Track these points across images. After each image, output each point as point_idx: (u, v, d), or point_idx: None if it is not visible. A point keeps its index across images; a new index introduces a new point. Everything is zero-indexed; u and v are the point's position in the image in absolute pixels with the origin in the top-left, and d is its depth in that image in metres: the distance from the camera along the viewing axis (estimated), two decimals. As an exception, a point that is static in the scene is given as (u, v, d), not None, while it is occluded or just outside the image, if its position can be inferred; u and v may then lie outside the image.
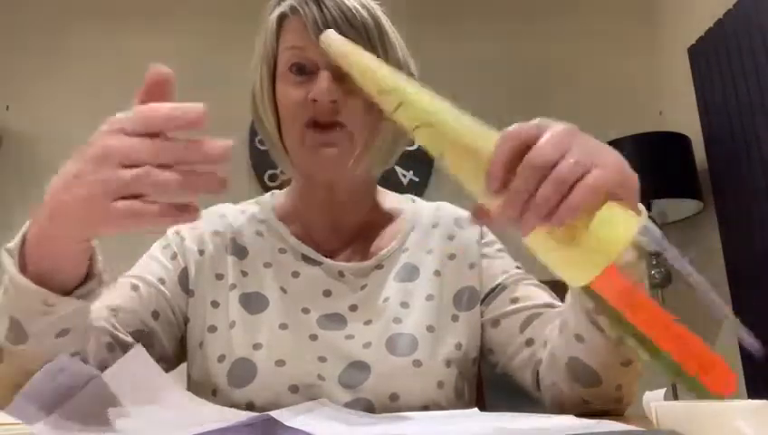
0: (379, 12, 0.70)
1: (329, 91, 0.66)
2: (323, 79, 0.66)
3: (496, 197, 0.42)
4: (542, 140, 0.42)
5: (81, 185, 0.43)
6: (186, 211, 0.45)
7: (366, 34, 0.67)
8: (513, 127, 0.43)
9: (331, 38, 0.55)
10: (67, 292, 0.50)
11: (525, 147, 0.42)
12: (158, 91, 0.47)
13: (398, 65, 0.71)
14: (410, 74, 0.75)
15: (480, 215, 0.47)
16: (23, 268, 0.49)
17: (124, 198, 0.43)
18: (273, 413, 0.46)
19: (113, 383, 0.48)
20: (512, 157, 0.42)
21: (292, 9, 0.69)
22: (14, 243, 0.50)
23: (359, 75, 0.49)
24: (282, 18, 0.71)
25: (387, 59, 0.69)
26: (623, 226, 0.41)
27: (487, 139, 0.43)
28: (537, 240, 0.42)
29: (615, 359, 0.59)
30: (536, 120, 0.44)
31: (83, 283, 0.51)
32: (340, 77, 0.67)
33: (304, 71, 0.69)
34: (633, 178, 0.46)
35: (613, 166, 0.43)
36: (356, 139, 0.69)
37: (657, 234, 0.41)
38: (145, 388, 0.51)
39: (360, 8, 0.67)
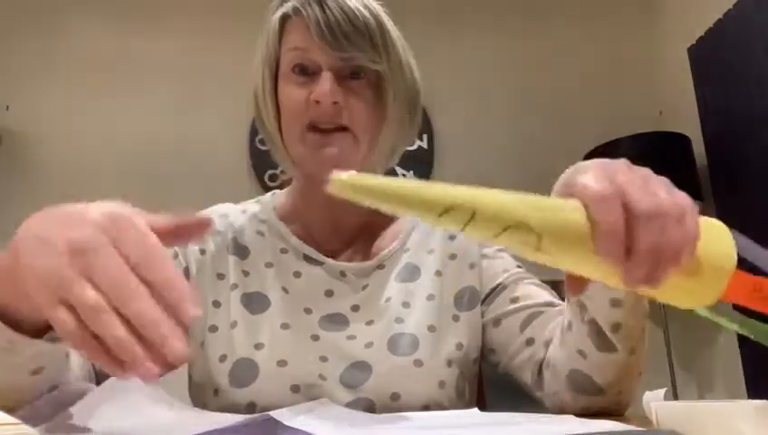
0: (381, 12, 0.70)
1: (331, 93, 0.66)
2: (326, 80, 0.66)
3: (617, 264, 0.39)
4: (633, 189, 0.39)
5: (43, 265, 0.38)
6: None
7: (368, 35, 0.67)
8: (592, 187, 0.39)
9: (344, 178, 0.39)
10: (39, 331, 0.45)
11: (617, 192, 0.39)
12: (190, 232, 0.44)
13: (400, 65, 0.71)
14: (412, 73, 0.74)
15: (578, 285, 0.45)
16: None
17: None
18: (273, 413, 0.46)
19: (105, 397, 0.48)
20: (618, 218, 0.38)
21: (295, 10, 0.69)
22: None
23: (404, 205, 0.38)
24: (284, 19, 0.70)
25: (389, 59, 0.69)
26: (719, 234, 0.42)
27: (567, 210, 0.40)
28: (666, 285, 0.40)
29: (618, 371, 0.60)
30: (589, 170, 0.41)
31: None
32: (343, 79, 0.68)
33: (307, 72, 0.68)
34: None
35: (668, 181, 0.43)
36: (359, 140, 0.69)
37: (735, 232, 0.43)
38: (137, 401, 0.51)
39: (362, 8, 0.67)
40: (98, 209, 0.41)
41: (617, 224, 0.38)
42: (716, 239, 0.42)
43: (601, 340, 0.59)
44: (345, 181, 0.37)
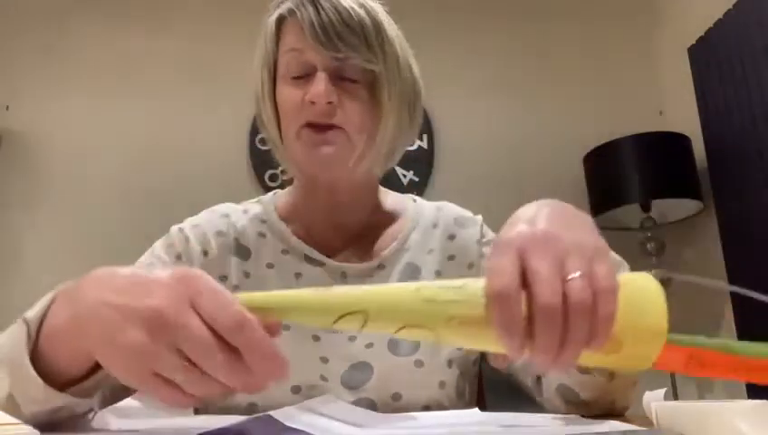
0: (379, 10, 0.70)
1: (326, 93, 0.66)
2: (320, 80, 0.66)
3: (518, 354, 0.38)
4: (540, 277, 0.37)
5: (128, 343, 0.37)
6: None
7: (363, 34, 0.67)
8: (492, 279, 0.37)
9: (244, 300, 0.41)
10: (69, 381, 0.46)
11: (516, 284, 0.37)
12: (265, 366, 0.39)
13: (397, 65, 0.71)
14: (411, 72, 0.74)
15: (502, 359, 0.44)
16: (32, 352, 0.45)
17: None
18: (274, 413, 0.46)
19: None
20: (514, 316, 0.37)
21: (290, 11, 0.69)
22: (33, 317, 0.46)
23: (300, 316, 0.41)
24: (280, 21, 0.71)
25: (384, 59, 0.69)
26: (651, 303, 0.39)
27: (468, 297, 0.39)
28: (583, 359, 0.39)
29: (601, 391, 0.59)
30: (503, 248, 0.39)
31: (85, 377, 0.47)
32: (338, 79, 0.68)
33: (302, 72, 0.69)
34: (600, 240, 0.42)
35: (594, 242, 0.41)
36: (353, 140, 0.69)
37: (666, 274, 0.41)
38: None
39: (356, 8, 0.67)
40: (166, 272, 0.40)
41: (512, 323, 0.36)
42: (646, 310, 0.39)
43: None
44: (245, 303, 0.39)
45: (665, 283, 0.43)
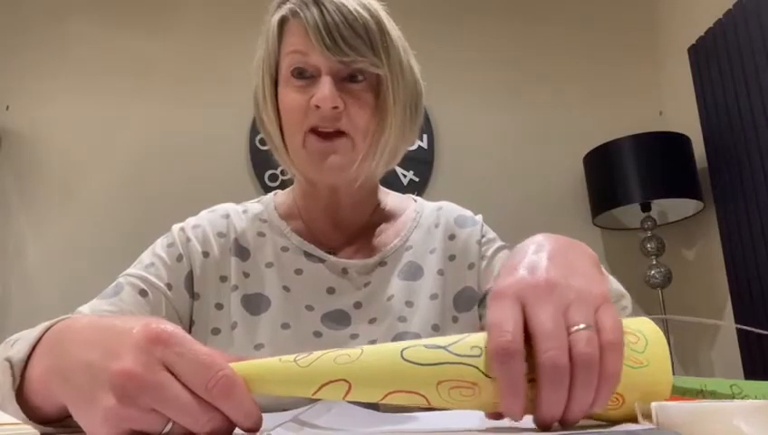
0: (381, 12, 0.69)
1: (331, 98, 0.65)
2: (325, 84, 0.65)
3: (518, 416, 0.37)
4: (544, 330, 0.35)
5: (97, 414, 0.36)
6: None
7: (368, 37, 0.66)
8: (495, 338, 0.36)
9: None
10: (54, 417, 0.45)
11: (520, 340, 0.35)
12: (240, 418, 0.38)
13: (400, 67, 0.70)
14: (413, 74, 0.74)
15: (496, 416, 0.41)
16: (20, 390, 0.44)
17: None
18: (275, 423, 0.46)
19: None
20: (518, 375, 0.35)
21: (293, 12, 0.68)
22: (17, 359, 0.45)
23: (279, 388, 0.39)
24: (283, 21, 0.70)
25: (389, 62, 0.68)
26: (657, 358, 0.38)
27: (464, 361, 0.37)
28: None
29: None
30: (496, 294, 0.38)
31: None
32: (343, 82, 0.67)
33: (306, 75, 0.68)
34: (605, 279, 0.41)
35: (599, 288, 0.39)
36: (358, 145, 0.69)
37: (665, 317, 0.40)
38: None
39: (361, 10, 0.66)
40: (139, 327, 0.38)
41: (516, 382, 0.35)
42: (651, 364, 0.37)
43: None
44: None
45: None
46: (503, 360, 0.35)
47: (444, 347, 0.38)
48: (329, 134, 0.67)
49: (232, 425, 0.37)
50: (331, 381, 0.37)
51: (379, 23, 0.67)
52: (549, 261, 0.40)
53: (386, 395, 0.38)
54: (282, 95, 0.70)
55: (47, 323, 0.47)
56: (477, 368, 0.37)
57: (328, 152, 0.68)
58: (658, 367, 0.38)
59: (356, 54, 0.65)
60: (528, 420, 0.38)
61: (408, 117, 0.73)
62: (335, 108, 0.66)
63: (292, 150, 0.71)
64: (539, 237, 0.45)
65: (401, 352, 0.38)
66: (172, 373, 0.36)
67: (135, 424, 0.36)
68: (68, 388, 0.39)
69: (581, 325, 0.36)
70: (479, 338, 0.38)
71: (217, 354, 0.38)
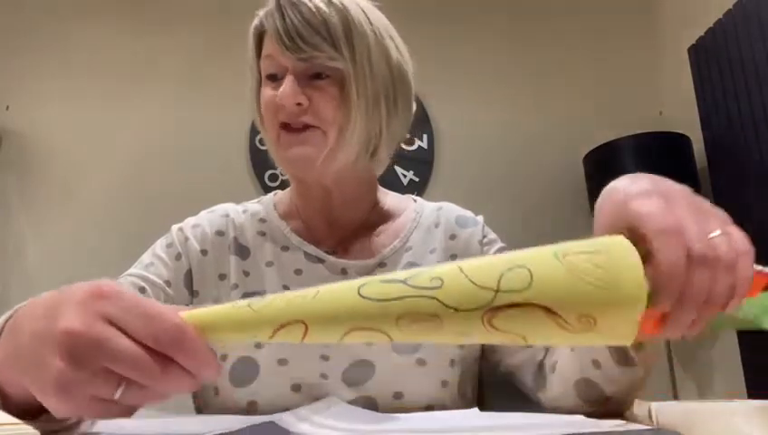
0: (351, 5, 0.69)
1: (292, 94, 0.67)
2: (287, 83, 0.68)
3: (666, 307, 0.38)
4: (691, 226, 0.39)
5: (51, 383, 0.35)
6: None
7: (327, 32, 0.67)
8: (656, 220, 0.39)
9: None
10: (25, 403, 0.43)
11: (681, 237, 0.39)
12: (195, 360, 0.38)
13: (368, 58, 0.69)
14: (388, 65, 0.72)
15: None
16: None
17: None
18: (277, 419, 0.46)
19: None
20: (681, 257, 0.38)
21: (262, 22, 0.71)
22: None
23: (233, 333, 0.38)
24: (258, 29, 0.73)
25: (352, 53, 0.68)
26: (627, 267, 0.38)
27: (423, 293, 0.36)
28: (554, 341, 0.39)
29: (631, 385, 0.60)
30: (647, 197, 0.41)
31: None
32: (308, 78, 0.69)
33: (276, 77, 0.70)
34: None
35: (724, 215, 0.43)
36: (330, 138, 0.69)
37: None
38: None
39: (323, 6, 0.67)
40: (79, 288, 0.37)
41: (679, 263, 0.37)
42: (623, 280, 0.38)
43: (621, 355, 0.57)
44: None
45: None
46: (667, 236, 0.38)
47: (402, 281, 0.37)
48: (298, 129, 0.69)
49: (190, 377, 0.36)
50: (288, 323, 0.37)
51: (343, 17, 0.67)
52: (669, 186, 0.44)
53: (345, 334, 0.37)
54: (261, 97, 0.73)
55: (7, 314, 0.46)
56: (439, 300, 0.36)
57: (295, 143, 0.69)
58: (630, 282, 0.37)
59: (313, 50, 0.66)
60: (522, 421, 0.38)
61: (384, 108, 0.71)
62: (299, 104, 0.68)
63: (269, 147, 0.74)
64: (638, 175, 0.47)
65: (358, 288, 0.37)
66: (120, 329, 0.35)
67: (92, 389, 0.35)
68: (22, 364, 0.38)
69: (718, 232, 0.39)
70: (440, 270, 0.38)
71: (165, 306, 0.37)
